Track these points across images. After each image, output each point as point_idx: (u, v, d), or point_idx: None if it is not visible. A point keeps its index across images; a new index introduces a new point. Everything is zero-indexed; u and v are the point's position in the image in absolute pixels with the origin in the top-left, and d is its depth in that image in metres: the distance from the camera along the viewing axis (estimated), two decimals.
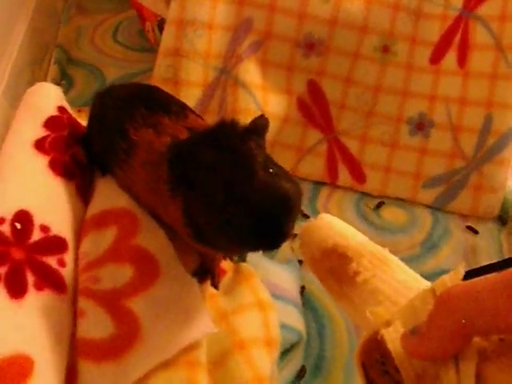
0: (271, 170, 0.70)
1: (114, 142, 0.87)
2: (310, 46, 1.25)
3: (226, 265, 0.98)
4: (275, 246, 0.69)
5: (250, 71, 1.25)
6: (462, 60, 1.26)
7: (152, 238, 0.86)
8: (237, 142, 0.70)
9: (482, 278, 0.55)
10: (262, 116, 0.74)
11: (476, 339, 0.56)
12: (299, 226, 1.13)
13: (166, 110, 0.86)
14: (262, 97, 1.25)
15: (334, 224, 0.72)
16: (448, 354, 0.57)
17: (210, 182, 0.69)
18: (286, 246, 1.13)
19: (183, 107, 0.91)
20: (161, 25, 1.38)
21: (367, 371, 0.66)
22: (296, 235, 1.16)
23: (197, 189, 0.70)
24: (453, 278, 0.62)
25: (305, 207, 1.25)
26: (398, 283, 0.66)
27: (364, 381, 0.66)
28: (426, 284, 0.66)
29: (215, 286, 0.92)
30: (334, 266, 0.69)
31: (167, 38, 1.24)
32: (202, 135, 0.75)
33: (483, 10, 1.24)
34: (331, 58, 1.27)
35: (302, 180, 1.30)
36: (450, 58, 1.27)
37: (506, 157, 1.26)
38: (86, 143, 0.99)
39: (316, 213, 1.24)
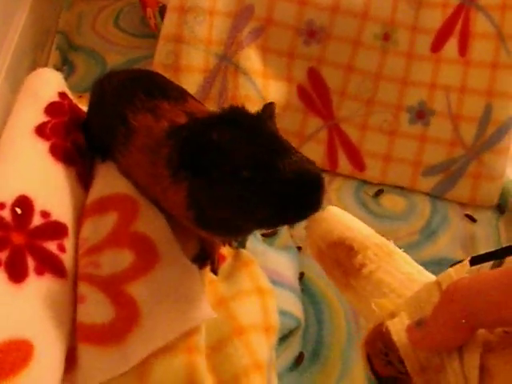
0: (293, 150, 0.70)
1: (114, 127, 0.88)
2: (311, 33, 1.25)
3: (225, 251, 0.98)
4: (313, 212, 0.69)
5: (251, 58, 1.25)
6: (463, 49, 1.26)
7: (152, 224, 0.87)
8: (256, 122, 0.71)
9: (488, 271, 0.55)
10: (271, 103, 0.76)
11: (481, 331, 0.57)
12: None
13: (164, 95, 0.86)
14: (262, 84, 1.25)
15: (340, 216, 0.73)
16: (453, 345, 0.58)
17: (232, 160, 0.68)
18: (285, 233, 1.14)
19: (182, 92, 0.91)
20: (162, 11, 1.38)
21: (371, 361, 0.67)
22: None
23: (213, 170, 0.70)
24: (458, 271, 0.63)
25: None
26: (403, 275, 0.67)
27: (368, 371, 0.67)
28: (430, 277, 0.67)
29: (214, 271, 0.93)
30: (340, 258, 0.70)
31: (168, 25, 1.24)
32: (212, 118, 0.75)
33: None
34: (332, 46, 1.27)
35: None
36: (451, 47, 1.27)
37: (506, 146, 1.27)
38: (86, 129, 1.00)
39: None
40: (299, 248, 1.14)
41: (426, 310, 0.61)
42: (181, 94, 0.89)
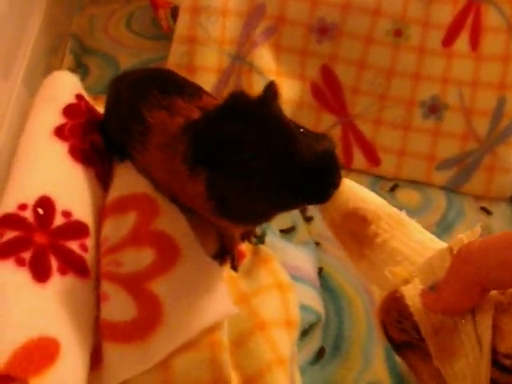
0: (301, 130, 0.72)
1: (130, 125, 0.89)
2: (323, 30, 1.26)
3: (245, 248, 0.99)
4: (334, 189, 0.70)
5: (264, 57, 1.26)
6: (475, 43, 1.26)
7: (171, 222, 0.88)
8: (262, 107, 0.72)
9: (499, 233, 0.56)
10: (271, 83, 0.75)
11: (492, 293, 0.59)
12: (314, 207, 1.15)
13: (179, 92, 0.87)
14: (276, 82, 1.25)
15: (354, 189, 0.74)
16: (465, 307, 0.59)
17: (246, 150, 0.69)
18: (303, 229, 1.15)
19: (197, 89, 0.92)
20: (174, 12, 1.39)
21: (386, 329, 0.69)
22: (312, 218, 1.18)
23: (227, 162, 0.71)
24: (469, 237, 0.65)
25: None
26: (416, 243, 0.69)
27: (383, 338, 0.70)
28: (442, 244, 0.69)
29: (235, 268, 0.94)
30: (354, 228, 0.72)
31: (181, 26, 1.25)
32: (217, 110, 0.75)
33: None
34: (344, 43, 1.27)
35: None
36: (463, 41, 1.27)
37: None
38: (103, 129, 1.01)
39: None
40: (317, 243, 1.15)
41: (438, 275, 0.62)
42: (195, 91, 0.90)
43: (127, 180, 0.94)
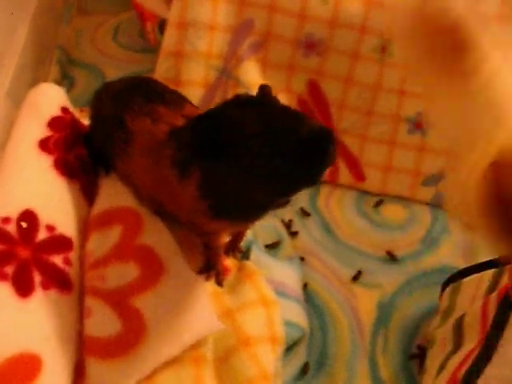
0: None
1: (113, 134, 0.88)
2: (311, 46, 1.26)
3: (230, 263, 0.99)
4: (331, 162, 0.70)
5: (251, 72, 1.26)
6: None
7: (156, 237, 0.88)
8: (261, 99, 0.73)
9: None
10: (263, 85, 0.76)
11: None
12: (299, 222, 1.15)
13: (161, 100, 0.87)
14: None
15: None
16: None
17: (250, 134, 0.70)
18: (288, 244, 1.15)
19: (180, 97, 0.92)
20: (162, 25, 1.39)
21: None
22: (297, 233, 1.18)
23: (229, 148, 0.70)
24: None
25: (306, 205, 1.27)
26: None
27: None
28: None
29: (220, 283, 0.93)
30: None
31: (168, 40, 1.24)
32: (218, 107, 0.75)
33: None
34: (331, 58, 1.27)
35: None
36: None
37: None
38: (88, 142, 1.00)
39: (317, 211, 1.26)
40: (302, 259, 1.15)
41: None
42: (178, 99, 0.90)
43: (112, 194, 0.93)
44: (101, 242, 0.87)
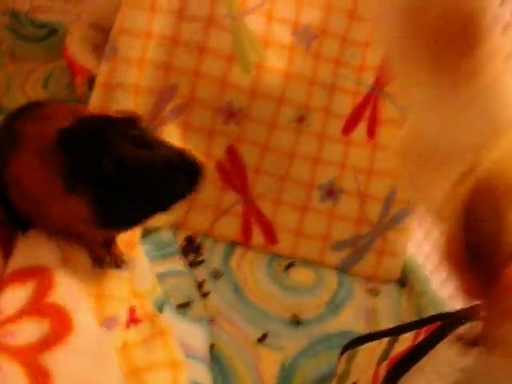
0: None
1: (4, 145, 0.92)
2: (230, 114, 1.31)
3: (142, 314, 1.04)
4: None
5: (172, 134, 1.30)
6: (371, 133, 1.34)
7: (66, 294, 0.90)
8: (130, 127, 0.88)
9: None
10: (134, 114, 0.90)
11: None
12: (212, 283, 1.18)
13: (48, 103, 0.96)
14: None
15: None
16: None
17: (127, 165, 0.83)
18: (199, 304, 1.19)
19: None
20: (91, 80, 1.42)
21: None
22: (209, 293, 1.22)
23: (113, 177, 0.83)
24: None
25: (219, 265, 1.31)
26: None
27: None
28: None
29: (119, 266, 1.02)
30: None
31: (96, 99, 1.27)
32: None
33: (392, 88, 1.33)
34: (249, 126, 1.32)
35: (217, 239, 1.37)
36: (361, 130, 1.35)
37: (407, 226, 1.35)
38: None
39: (229, 271, 1.30)
40: (212, 320, 1.18)
41: None
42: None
43: (27, 252, 0.95)
44: (13, 300, 0.89)
